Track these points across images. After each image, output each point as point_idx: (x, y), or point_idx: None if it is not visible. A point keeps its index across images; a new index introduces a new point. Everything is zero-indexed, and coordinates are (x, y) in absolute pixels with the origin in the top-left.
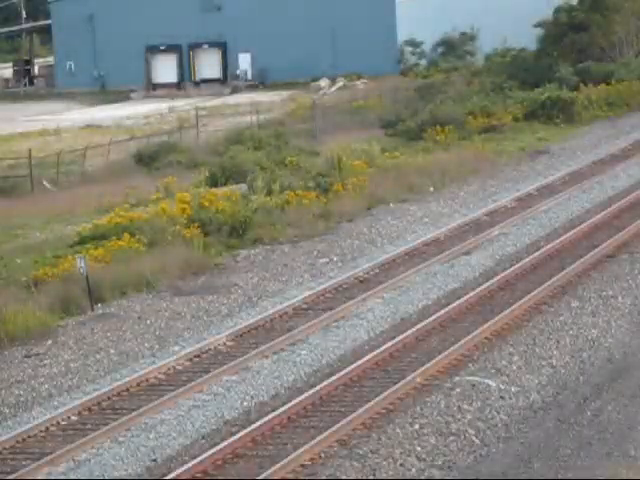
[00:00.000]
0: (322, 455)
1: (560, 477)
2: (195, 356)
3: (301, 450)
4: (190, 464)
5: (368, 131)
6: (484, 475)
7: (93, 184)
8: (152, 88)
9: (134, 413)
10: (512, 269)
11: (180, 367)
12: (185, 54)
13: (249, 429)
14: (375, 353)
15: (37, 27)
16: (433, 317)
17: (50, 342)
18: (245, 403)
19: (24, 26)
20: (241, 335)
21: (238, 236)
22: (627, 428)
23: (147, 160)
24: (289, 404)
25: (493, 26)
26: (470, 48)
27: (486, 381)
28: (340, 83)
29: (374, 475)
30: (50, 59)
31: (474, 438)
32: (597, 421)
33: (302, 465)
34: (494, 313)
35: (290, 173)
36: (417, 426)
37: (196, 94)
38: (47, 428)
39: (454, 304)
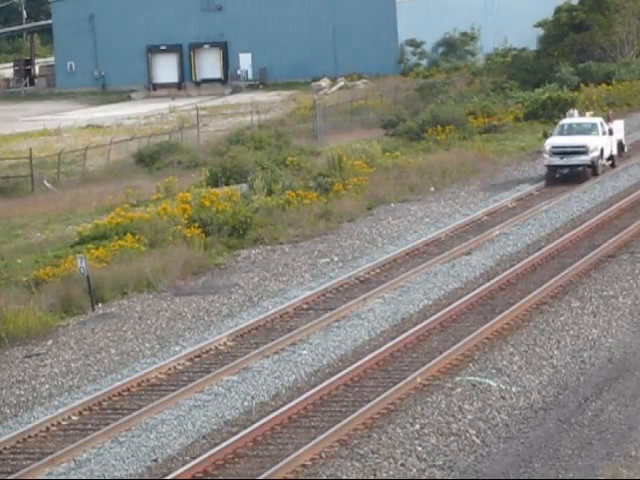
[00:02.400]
0: (323, 455)
1: (561, 477)
2: (196, 356)
3: (302, 450)
4: (191, 464)
5: (369, 131)
6: (485, 475)
7: (94, 184)
8: (153, 88)
9: (135, 413)
10: (513, 269)
11: (181, 367)
12: (186, 54)
13: (250, 429)
14: (376, 353)
15: (38, 27)
16: (434, 317)
17: (51, 342)
18: (246, 403)
19: (25, 26)
20: (242, 335)
21: (239, 236)
22: (628, 428)
23: (148, 160)
24: (290, 404)
25: (494, 26)
26: (471, 48)
27: (487, 381)
28: (341, 83)
29: (375, 475)
30: (51, 59)
31: (475, 438)
32: (598, 421)
33: (303, 465)
34: (495, 313)
35: (291, 173)
36: (418, 426)
37: (197, 94)
38: (48, 428)
39: (455, 304)
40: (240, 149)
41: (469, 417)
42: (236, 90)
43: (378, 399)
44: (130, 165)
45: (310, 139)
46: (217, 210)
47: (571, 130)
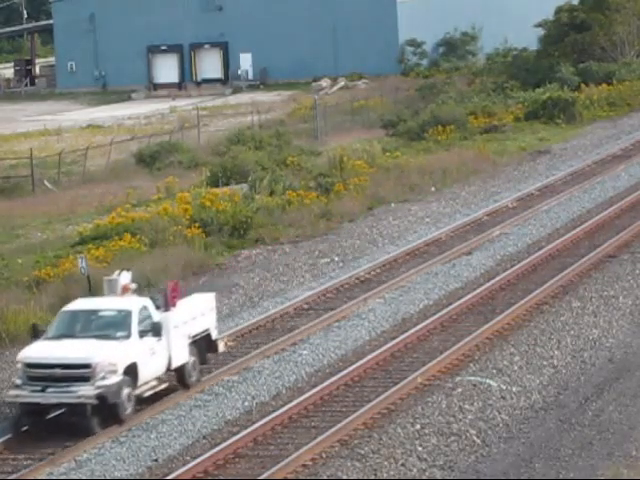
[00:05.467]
0: (323, 455)
1: (561, 477)
2: None
3: (302, 450)
4: (191, 464)
5: (369, 131)
6: (485, 475)
7: (94, 184)
8: (153, 88)
9: (135, 413)
10: (513, 269)
11: None
12: (186, 54)
13: (250, 429)
14: (376, 353)
15: (38, 27)
16: (434, 317)
17: None
18: (246, 403)
19: (25, 26)
20: (242, 335)
21: (239, 236)
22: (628, 428)
23: (148, 160)
24: (290, 404)
25: (494, 26)
26: (471, 48)
27: (487, 381)
28: (341, 83)
29: (375, 475)
30: (51, 59)
31: (475, 438)
32: (598, 421)
33: (303, 465)
34: (495, 313)
35: (291, 173)
36: (418, 426)
37: (197, 94)
38: None
39: (455, 304)
40: (240, 149)
41: (470, 417)
42: (236, 90)
43: (379, 399)
44: (130, 165)
45: (311, 139)
46: (217, 210)
47: (85, 327)
